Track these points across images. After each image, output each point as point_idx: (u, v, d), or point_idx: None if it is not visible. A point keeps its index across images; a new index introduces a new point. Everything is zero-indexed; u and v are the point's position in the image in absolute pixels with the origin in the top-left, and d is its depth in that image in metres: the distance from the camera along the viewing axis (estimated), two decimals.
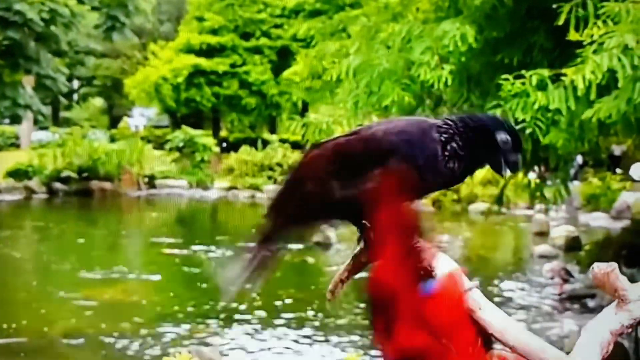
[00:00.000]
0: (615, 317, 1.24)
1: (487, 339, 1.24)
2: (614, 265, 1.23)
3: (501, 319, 1.24)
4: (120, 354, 7.31)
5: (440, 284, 1.27)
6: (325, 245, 13.28)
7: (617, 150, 22.86)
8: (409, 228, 1.25)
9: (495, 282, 10.96)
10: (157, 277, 11.29)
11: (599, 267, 1.24)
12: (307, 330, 8.22)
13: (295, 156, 25.24)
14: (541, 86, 5.68)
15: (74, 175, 24.28)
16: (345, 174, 1.42)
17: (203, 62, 32.43)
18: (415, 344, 1.16)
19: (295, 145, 27.24)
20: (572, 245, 13.58)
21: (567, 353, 1.23)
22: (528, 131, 5.66)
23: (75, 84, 46.53)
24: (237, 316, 8.75)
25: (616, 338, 1.24)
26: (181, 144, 27.88)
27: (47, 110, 31.28)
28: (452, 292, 1.25)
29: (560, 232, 14.14)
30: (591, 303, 9.24)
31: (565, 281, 10.09)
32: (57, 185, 23.94)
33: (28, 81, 26.11)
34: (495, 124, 1.49)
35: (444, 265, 1.30)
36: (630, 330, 1.24)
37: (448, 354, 1.16)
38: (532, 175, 8.97)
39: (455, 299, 1.23)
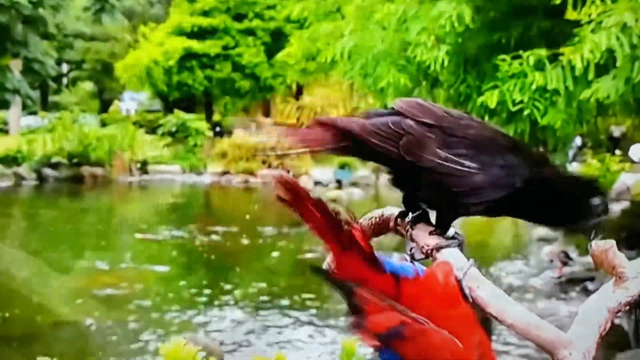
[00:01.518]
0: (613, 295, 1.25)
1: (485, 320, 1.26)
2: (612, 242, 1.24)
3: (498, 297, 1.25)
4: (113, 342, 7.34)
5: (427, 269, 1.28)
6: None
7: (616, 131, 22.92)
8: (324, 219, 1.25)
9: (495, 265, 11.01)
10: (151, 266, 11.31)
11: (597, 245, 1.25)
12: (304, 316, 8.26)
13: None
14: (539, 66, 5.70)
15: (64, 161, 24.22)
16: None
17: (195, 45, 32.28)
18: (389, 324, 1.17)
19: None
20: None
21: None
22: (526, 112, 5.68)
23: (65, 67, 46.37)
24: (230, 301, 8.79)
25: (614, 316, 1.25)
26: (174, 129, 27.85)
27: (35, 94, 31.19)
28: (437, 277, 1.26)
29: None
30: (590, 286, 9.29)
31: (565, 264, 10.13)
32: (47, 171, 23.89)
33: (16, 65, 26.01)
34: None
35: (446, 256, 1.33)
36: (627, 307, 1.25)
37: (432, 333, 1.17)
38: None
39: (442, 283, 1.24)
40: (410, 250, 1.42)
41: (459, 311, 1.23)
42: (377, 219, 1.50)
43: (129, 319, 8.07)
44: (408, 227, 1.45)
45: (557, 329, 1.24)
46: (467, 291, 1.27)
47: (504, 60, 5.84)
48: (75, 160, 24.37)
